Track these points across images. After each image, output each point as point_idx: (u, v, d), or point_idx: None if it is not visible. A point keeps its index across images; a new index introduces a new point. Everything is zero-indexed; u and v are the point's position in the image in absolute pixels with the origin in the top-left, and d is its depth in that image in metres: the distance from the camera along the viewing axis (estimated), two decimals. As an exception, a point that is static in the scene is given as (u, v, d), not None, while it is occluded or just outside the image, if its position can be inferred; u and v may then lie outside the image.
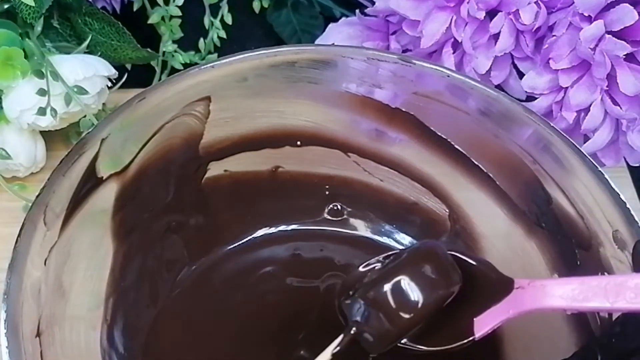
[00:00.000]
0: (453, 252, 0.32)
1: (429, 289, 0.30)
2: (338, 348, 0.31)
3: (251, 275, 0.40)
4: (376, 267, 0.32)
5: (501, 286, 0.31)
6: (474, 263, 0.32)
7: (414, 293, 0.30)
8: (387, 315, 0.30)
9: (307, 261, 0.41)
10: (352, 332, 0.31)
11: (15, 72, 0.39)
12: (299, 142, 0.40)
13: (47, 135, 0.45)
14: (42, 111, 0.39)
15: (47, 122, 0.41)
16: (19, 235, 0.31)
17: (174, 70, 0.49)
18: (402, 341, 0.31)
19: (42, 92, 0.39)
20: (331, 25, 0.46)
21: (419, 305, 0.30)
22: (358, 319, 0.30)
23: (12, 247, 0.30)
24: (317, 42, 0.48)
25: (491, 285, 0.31)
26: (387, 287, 0.30)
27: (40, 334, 0.31)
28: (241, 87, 0.37)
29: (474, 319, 0.31)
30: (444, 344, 0.31)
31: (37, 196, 0.32)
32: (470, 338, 0.30)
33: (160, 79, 0.49)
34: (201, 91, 0.36)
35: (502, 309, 0.30)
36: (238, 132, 0.39)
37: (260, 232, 0.42)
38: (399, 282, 0.30)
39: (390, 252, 0.33)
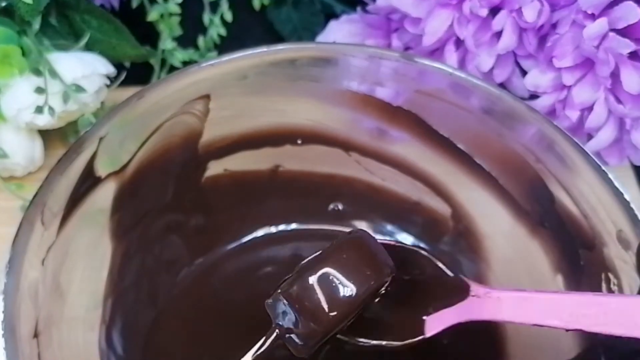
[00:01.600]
0: (417, 248, 0.31)
1: (355, 282, 0.27)
2: (260, 351, 0.28)
3: (251, 275, 0.40)
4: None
5: (458, 290, 0.30)
6: (437, 263, 0.31)
7: (339, 287, 0.27)
8: (312, 313, 0.27)
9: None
10: (274, 335, 0.28)
11: (12, 70, 0.39)
12: (299, 141, 0.39)
13: (45, 135, 0.45)
14: (39, 109, 0.39)
15: (44, 121, 0.41)
16: (16, 235, 0.31)
17: (173, 68, 0.49)
18: (347, 339, 0.30)
19: (39, 91, 0.39)
20: (332, 23, 0.46)
21: (346, 300, 0.27)
22: (281, 320, 0.28)
23: (10, 247, 0.30)
24: (317, 39, 0.47)
25: (448, 288, 0.30)
26: (309, 281, 0.27)
27: (38, 334, 0.31)
28: (241, 85, 0.37)
29: (426, 318, 0.30)
30: (393, 339, 0.30)
31: (35, 195, 0.32)
32: (420, 337, 0.30)
33: (159, 77, 0.49)
34: (201, 89, 0.36)
35: (455, 313, 0.29)
36: (238, 131, 0.38)
37: (260, 232, 0.41)
38: (322, 275, 0.27)
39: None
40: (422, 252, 0.31)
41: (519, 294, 0.29)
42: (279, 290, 0.28)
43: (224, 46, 0.50)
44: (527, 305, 0.28)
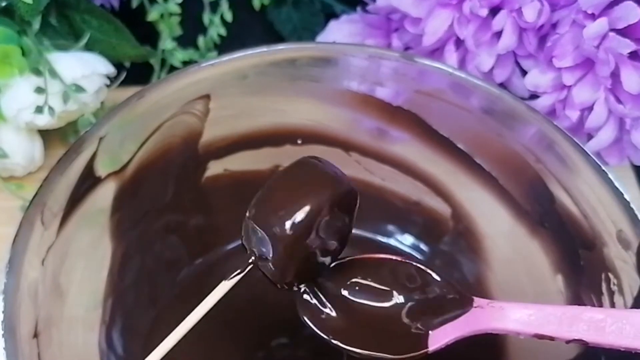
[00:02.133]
0: (416, 264, 0.32)
1: (308, 199, 0.28)
2: (237, 279, 0.30)
3: (251, 275, 0.40)
4: None
5: (460, 303, 0.31)
6: (437, 278, 0.31)
7: (296, 205, 0.28)
8: (276, 234, 0.28)
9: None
10: (251, 260, 0.30)
11: (12, 70, 0.39)
12: (299, 141, 0.39)
13: (45, 135, 0.45)
14: (39, 109, 0.39)
15: (44, 121, 0.41)
16: (16, 235, 0.31)
17: (173, 68, 0.49)
18: (355, 349, 0.30)
19: (39, 91, 0.39)
20: (332, 23, 0.46)
21: (303, 218, 0.28)
22: (255, 247, 0.30)
23: (10, 247, 0.30)
24: (317, 39, 0.47)
25: (451, 301, 0.31)
26: (269, 203, 0.29)
27: (37, 335, 0.31)
28: (241, 85, 0.37)
29: (430, 332, 0.30)
30: (395, 352, 0.30)
31: (35, 195, 0.32)
32: (424, 350, 0.30)
33: (159, 77, 0.49)
34: (201, 89, 0.36)
35: (458, 326, 0.30)
36: (238, 131, 0.38)
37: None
38: (278, 196, 0.29)
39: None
40: (422, 266, 0.32)
41: (521, 304, 0.29)
42: (247, 216, 0.30)
43: (224, 46, 0.50)
44: (530, 314, 0.29)
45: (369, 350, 0.30)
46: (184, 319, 0.39)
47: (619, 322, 0.27)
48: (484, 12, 0.39)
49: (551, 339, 0.28)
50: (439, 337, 0.30)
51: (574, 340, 0.28)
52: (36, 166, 0.45)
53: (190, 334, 0.38)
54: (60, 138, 0.46)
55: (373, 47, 0.39)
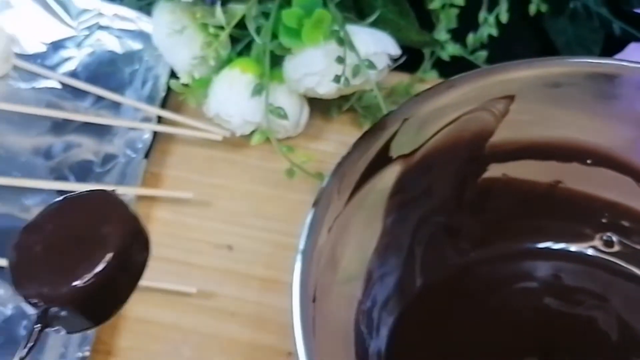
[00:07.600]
0: None
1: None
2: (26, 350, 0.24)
3: (508, 285, 0.38)
4: None
5: None
6: None
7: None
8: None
9: (569, 285, 0.38)
10: (36, 330, 0.24)
11: (319, 36, 0.39)
12: (589, 161, 0.37)
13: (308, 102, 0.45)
14: (337, 79, 0.39)
15: (325, 90, 0.41)
16: (319, 200, 0.31)
17: (439, 61, 0.48)
18: None
19: (340, 60, 0.39)
20: (632, 45, 0.43)
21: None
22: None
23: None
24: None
25: None
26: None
27: (315, 299, 0.31)
28: (549, 93, 0.35)
29: None
30: None
31: (338, 165, 0.32)
32: None
33: (425, 69, 0.48)
34: (508, 89, 0.35)
35: None
36: (529, 138, 0.37)
37: (524, 244, 0.39)
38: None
39: None
40: None
41: None
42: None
43: (491, 47, 0.49)
44: None
45: None
46: (429, 318, 0.38)
47: None
48: None
49: None
50: None
51: None
52: (297, 132, 0.45)
53: (437, 336, 0.37)
54: (321, 108, 0.46)
55: None
